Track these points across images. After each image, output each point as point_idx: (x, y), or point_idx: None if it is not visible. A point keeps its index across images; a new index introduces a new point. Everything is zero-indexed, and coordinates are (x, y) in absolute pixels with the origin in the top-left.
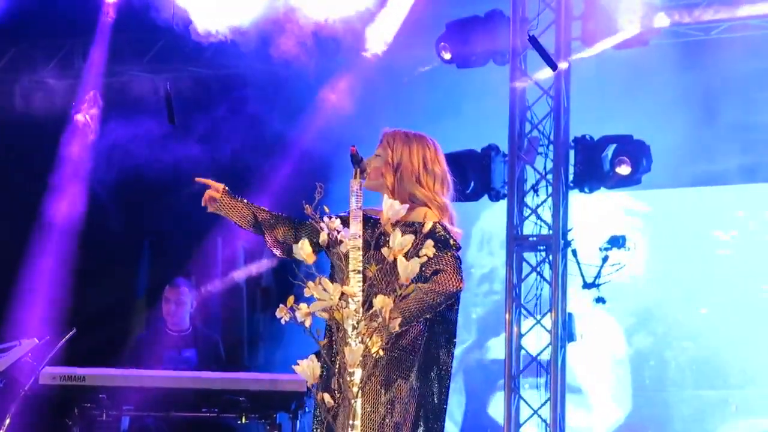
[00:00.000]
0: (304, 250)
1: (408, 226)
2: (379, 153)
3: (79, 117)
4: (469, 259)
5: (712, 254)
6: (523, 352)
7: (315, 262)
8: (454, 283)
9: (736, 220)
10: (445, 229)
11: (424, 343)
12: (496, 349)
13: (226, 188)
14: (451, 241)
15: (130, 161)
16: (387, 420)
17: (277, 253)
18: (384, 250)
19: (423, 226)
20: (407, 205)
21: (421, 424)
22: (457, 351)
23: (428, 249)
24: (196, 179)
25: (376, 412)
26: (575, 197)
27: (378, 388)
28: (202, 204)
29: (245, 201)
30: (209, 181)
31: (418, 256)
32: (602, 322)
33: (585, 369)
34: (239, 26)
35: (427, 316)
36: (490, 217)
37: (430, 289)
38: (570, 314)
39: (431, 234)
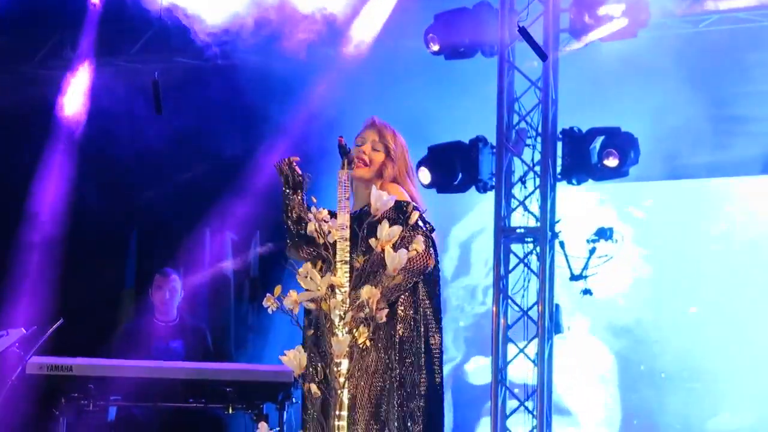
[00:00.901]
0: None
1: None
2: (377, 147)
3: (67, 107)
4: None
5: (706, 251)
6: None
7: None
8: (424, 261)
9: (725, 215)
10: (416, 209)
11: (415, 330)
12: (482, 373)
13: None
14: (421, 222)
15: (118, 151)
16: (385, 408)
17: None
18: (372, 241)
19: (406, 208)
20: (395, 196)
21: (424, 411)
22: (445, 370)
23: (417, 245)
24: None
25: (372, 401)
26: (565, 191)
27: (370, 377)
28: (290, 158)
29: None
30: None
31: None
32: (590, 343)
33: (573, 390)
34: (229, 16)
35: (402, 295)
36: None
37: (402, 267)
38: (557, 306)
39: (403, 212)
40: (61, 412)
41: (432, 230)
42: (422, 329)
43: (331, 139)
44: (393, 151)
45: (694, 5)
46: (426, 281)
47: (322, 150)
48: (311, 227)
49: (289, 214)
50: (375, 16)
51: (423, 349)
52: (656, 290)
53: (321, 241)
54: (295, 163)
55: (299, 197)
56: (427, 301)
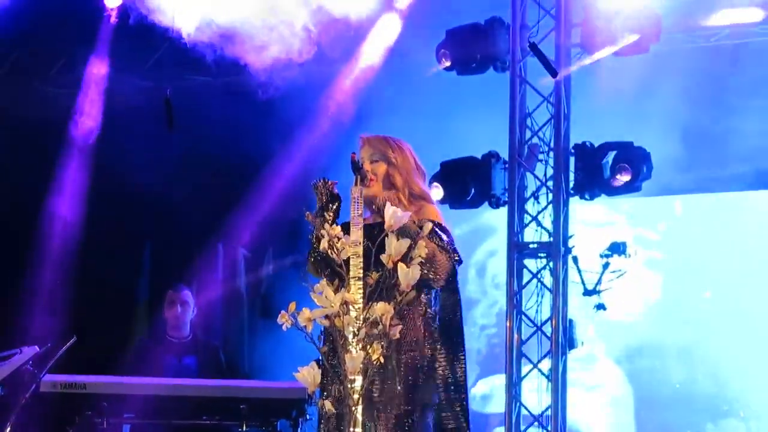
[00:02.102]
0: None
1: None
2: (374, 158)
3: (81, 123)
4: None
5: (723, 264)
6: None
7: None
8: (448, 263)
9: (741, 229)
10: (448, 234)
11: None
12: (489, 400)
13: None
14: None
15: (130, 167)
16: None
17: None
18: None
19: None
20: (409, 213)
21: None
22: None
23: (420, 249)
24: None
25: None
26: (578, 207)
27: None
28: (326, 180)
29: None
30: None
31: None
32: (605, 367)
33: (587, 414)
34: (241, 31)
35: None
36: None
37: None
38: (571, 321)
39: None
40: (75, 430)
41: (459, 261)
42: (450, 355)
43: (344, 155)
44: (391, 157)
45: (706, 20)
46: (451, 308)
47: (335, 165)
48: (324, 244)
49: (316, 233)
50: (387, 32)
51: (451, 374)
52: (671, 305)
53: (333, 256)
54: (333, 186)
55: (329, 219)
56: (453, 327)
